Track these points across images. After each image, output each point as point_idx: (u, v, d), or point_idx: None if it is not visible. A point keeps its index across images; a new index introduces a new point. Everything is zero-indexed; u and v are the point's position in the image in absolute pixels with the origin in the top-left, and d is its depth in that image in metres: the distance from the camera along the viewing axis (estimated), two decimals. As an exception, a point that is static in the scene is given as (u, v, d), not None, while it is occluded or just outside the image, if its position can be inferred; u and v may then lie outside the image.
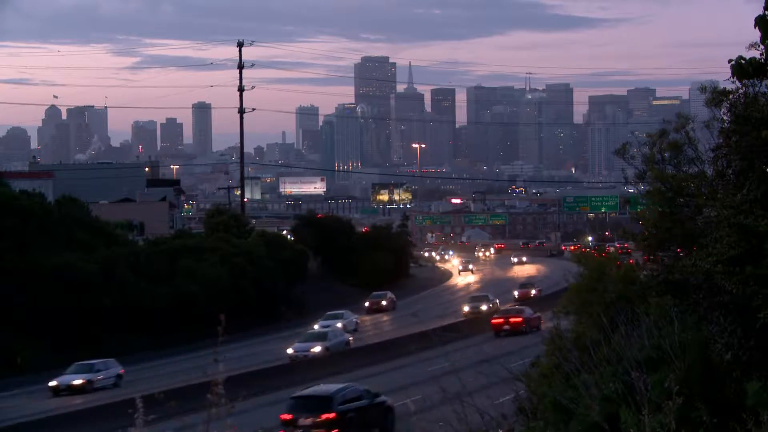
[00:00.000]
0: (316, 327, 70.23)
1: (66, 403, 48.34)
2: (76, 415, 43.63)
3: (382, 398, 35.31)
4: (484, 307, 77.63)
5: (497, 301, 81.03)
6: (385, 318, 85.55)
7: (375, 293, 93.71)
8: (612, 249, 55.58)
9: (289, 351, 58.98)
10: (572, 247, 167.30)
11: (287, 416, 33.98)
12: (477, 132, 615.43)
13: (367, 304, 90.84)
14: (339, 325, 71.72)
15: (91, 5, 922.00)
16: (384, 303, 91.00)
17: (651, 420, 11.26)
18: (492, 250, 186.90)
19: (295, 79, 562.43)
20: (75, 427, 41.41)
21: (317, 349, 58.71)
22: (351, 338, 64.02)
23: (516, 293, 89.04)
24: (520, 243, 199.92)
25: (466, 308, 78.69)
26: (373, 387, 37.41)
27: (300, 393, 35.80)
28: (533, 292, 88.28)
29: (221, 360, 7.83)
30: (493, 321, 67.11)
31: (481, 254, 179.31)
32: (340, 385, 36.15)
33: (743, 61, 11.90)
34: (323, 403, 34.28)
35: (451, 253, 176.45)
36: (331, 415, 33.55)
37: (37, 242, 70.39)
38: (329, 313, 76.47)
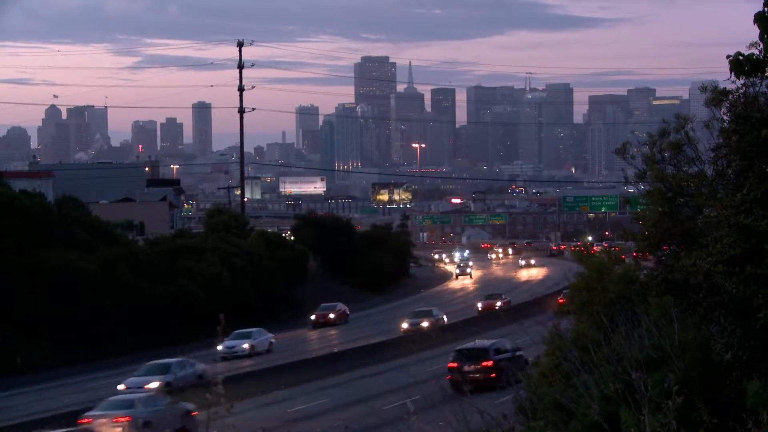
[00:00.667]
0: (219, 348, 60.50)
1: None
2: (76, 414, 43.58)
3: (521, 351, 43.68)
4: (425, 324, 68.06)
5: (444, 316, 72.42)
6: (332, 332, 77.08)
7: (324, 305, 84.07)
8: (598, 248, 56.07)
9: (120, 387, 48.53)
10: (563, 246, 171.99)
11: (454, 364, 44.02)
12: (477, 132, 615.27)
13: (312, 317, 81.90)
14: (245, 345, 63.99)
15: (93, 5, 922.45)
16: (332, 316, 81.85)
17: (651, 420, 11.25)
18: (510, 251, 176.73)
19: (295, 79, 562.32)
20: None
21: (154, 385, 47.61)
22: (205, 367, 51.79)
23: (479, 305, 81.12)
24: (507, 242, 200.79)
25: (404, 325, 69.82)
26: None
27: (463, 346, 46.52)
28: (498, 303, 79.90)
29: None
30: (560, 300, 69.69)
31: (494, 256, 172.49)
32: (494, 340, 46.77)
33: (741, 57, 11.89)
34: (483, 353, 44.71)
35: (467, 254, 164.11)
36: (489, 363, 43.79)
37: (37, 242, 70.40)
38: (237, 331, 65.20)
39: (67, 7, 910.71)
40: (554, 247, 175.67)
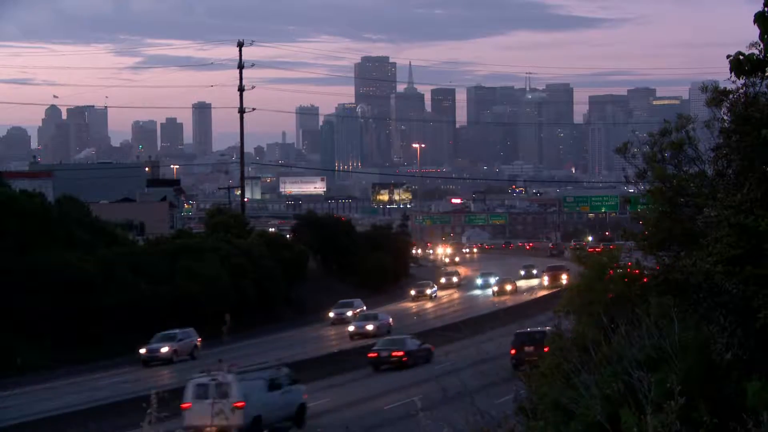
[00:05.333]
0: (142, 351, 64.03)
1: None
2: (77, 414, 43.61)
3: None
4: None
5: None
6: None
7: None
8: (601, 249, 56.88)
9: None
10: (551, 245, 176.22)
11: (513, 351, 50.53)
12: (477, 132, 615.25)
13: None
14: (166, 349, 63.96)
15: (94, 5, 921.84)
16: None
17: (652, 420, 11.25)
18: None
19: (296, 79, 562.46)
20: (76, 426, 41.39)
21: None
22: None
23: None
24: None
25: None
26: None
27: (522, 330, 53.01)
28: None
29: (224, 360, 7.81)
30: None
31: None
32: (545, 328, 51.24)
33: (741, 57, 11.90)
34: (541, 336, 47.95)
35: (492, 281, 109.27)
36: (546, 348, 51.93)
37: (37, 242, 70.37)
38: (161, 333, 65.68)
39: (66, 6, 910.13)
40: (552, 246, 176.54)
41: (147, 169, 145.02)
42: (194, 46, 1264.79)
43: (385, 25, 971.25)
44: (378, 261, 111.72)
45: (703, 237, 15.57)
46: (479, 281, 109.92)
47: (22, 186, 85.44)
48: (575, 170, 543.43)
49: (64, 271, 68.60)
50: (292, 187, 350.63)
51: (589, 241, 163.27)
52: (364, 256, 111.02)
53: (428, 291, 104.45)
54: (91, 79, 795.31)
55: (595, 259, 27.56)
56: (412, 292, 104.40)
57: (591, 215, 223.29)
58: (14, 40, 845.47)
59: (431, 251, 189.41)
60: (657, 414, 11.25)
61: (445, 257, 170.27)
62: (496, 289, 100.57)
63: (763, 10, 11.40)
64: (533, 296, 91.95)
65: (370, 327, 71.19)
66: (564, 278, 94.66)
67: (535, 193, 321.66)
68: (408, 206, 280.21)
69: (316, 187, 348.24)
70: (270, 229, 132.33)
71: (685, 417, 11.70)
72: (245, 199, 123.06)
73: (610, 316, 17.99)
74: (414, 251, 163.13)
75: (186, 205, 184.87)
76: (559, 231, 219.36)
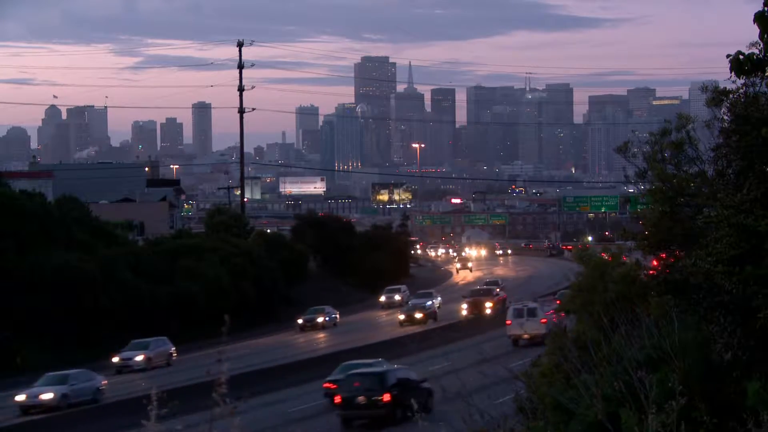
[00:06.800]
0: (115, 360, 62.08)
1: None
2: (77, 415, 43.60)
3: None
4: None
5: None
6: None
7: None
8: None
9: (19, 398, 48.02)
10: (530, 246, 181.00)
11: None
12: (477, 132, 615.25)
13: None
14: (140, 357, 61.42)
15: (97, 5, 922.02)
16: None
17: (652, 420, 11.26)
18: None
19: (296, 79, 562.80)
20: (75, 427, 41.40)
21: (48, 396, 47.38)
22: (104, 381, 51.22)
23: None
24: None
25: None
26: None
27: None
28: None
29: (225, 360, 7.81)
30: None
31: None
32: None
33: (741, 57, 11.91)
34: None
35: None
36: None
37: (37, 242, 70.39)
38: (135, 341, 63.56)
39: (66, 6, 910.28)
40: (530, 246, 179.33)
41: (147, 169, 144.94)
42: (194, 46, 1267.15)
43: (385, 25, 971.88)
44: (378, 261, 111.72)
45: (703, 237, 15.59)
46: (409, 303, 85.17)
47: (22, 186, 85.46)
48: (575, 170, 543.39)
49: (64, 271, 68.60)
50: (292, 187, 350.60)
51: (589, 241, 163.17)
52: (364, 256, 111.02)
53: (320, 319, 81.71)
54: (91, 79, 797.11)
55: (596, 258, 27.57)
56: (299, 321, 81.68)
57: (591, 215, 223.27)
58: (14, 40, 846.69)
59: (455, 253, 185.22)
60: (657, 414, 11.25)
61: (465, 259, 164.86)
62: (402, 317, 77.16)
63: (763, 10, 11.41)
64: (425, 328, 71.91)
65: (46, 396, 47.66)
66: (488, 306, 77.53)
67: (535, 193, 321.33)
68: (408, 206, 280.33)
69: (316, 187, 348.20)
70: (270, 230, 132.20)
71: (685, 417, 11.71)
72: (245, 199, 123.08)
73: (610, 315, 18.00)
74: (427, 252, 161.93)
75: (186, 205, 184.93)
76: (559, 231, 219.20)
